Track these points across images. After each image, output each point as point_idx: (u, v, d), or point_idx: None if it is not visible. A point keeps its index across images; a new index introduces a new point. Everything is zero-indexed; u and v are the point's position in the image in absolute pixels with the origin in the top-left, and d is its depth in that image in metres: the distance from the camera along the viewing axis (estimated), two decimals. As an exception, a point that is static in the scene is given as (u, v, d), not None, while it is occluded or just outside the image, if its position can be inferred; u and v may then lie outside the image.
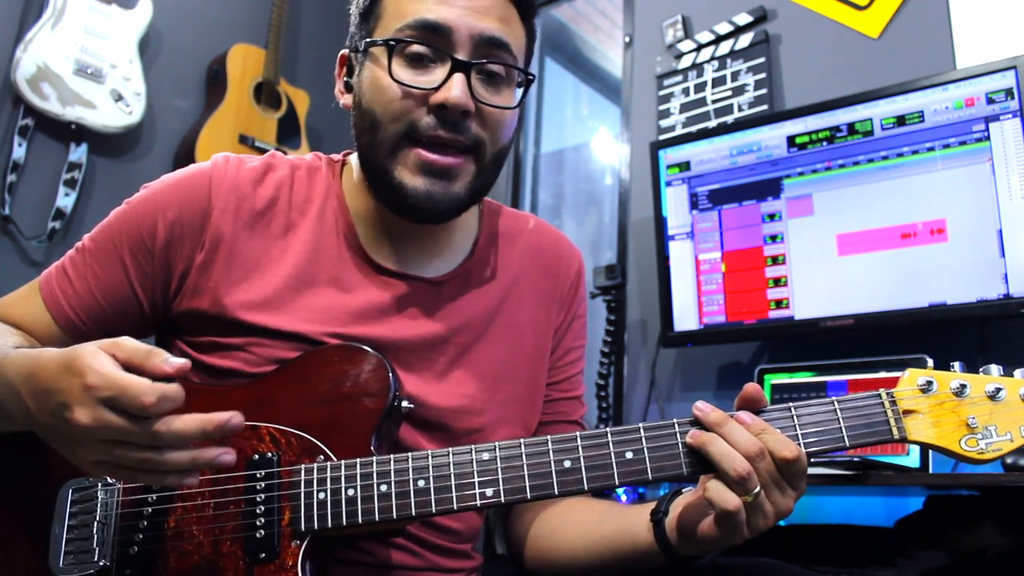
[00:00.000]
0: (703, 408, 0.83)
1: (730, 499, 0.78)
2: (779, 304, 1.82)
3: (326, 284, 1.00)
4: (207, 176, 1.00)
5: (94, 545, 0.86)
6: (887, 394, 0.83)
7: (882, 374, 1.60)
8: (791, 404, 0.83)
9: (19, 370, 0.82)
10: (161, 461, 0.74)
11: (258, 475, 0.87)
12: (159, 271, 0.99)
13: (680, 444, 0.82)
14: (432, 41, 0.93)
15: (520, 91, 1.00)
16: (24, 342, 0.95)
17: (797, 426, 0.82)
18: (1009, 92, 1.58)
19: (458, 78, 0.92)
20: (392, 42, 0.94)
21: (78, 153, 2.33)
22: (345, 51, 1.06)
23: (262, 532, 0.85)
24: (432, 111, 0.93)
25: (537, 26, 1.05)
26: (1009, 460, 1.34)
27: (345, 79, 1.04)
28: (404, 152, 0.94)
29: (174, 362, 0.75)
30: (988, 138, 1.60)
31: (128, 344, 0.76)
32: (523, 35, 1.01)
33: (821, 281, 1.77)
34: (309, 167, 1.07)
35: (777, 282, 1.83)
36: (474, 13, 0.94)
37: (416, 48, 0.94)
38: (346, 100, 1.04)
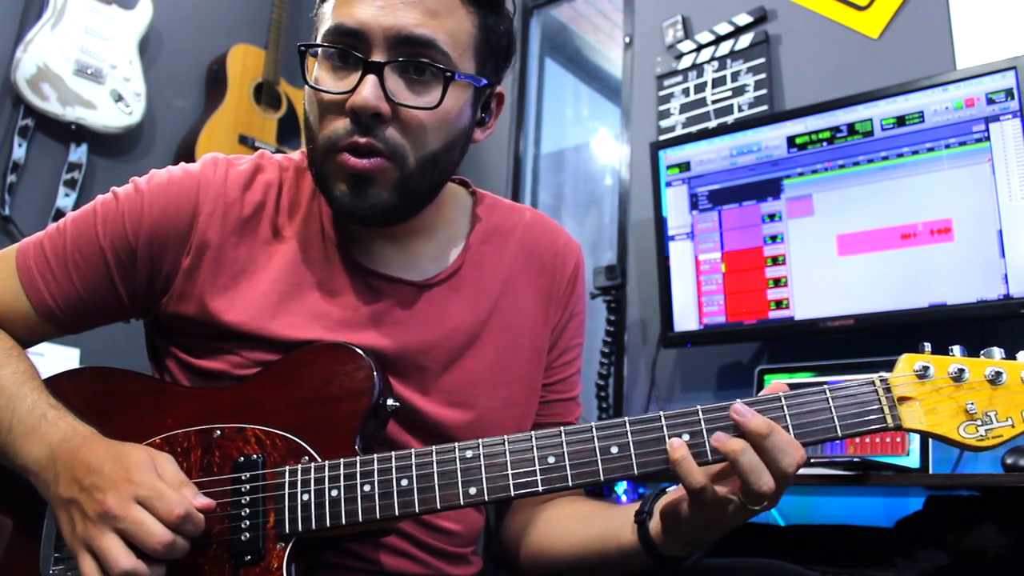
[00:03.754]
0: (743, 413, 0.78)
1: (697, 479, 0.78)
2: (779, 304, 1.82)
3: (313, 288, 0.98)
4: (195, 180, 0.98)
5: None
6: (881, 380, 0.79)
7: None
8: (781, 393, 0.80)
9: (62, 439, 0.86)
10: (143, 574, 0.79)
11: (243, 477, 0.86)
12: (142, 269, 0.97)
13: (666, 438, 0.80)
14: (347, 44, 0.90)
15: (454, 88, 0.92)
16: (31, 368, 0.95)
17: (787, 416, 0.79)
18: (1009, 92, 1.58)
19: (369, 80, 0.88)
20: (302, 47, 0.94)
21: (78, 153, 2.34)
22: None
23: (247, 535, 0.84)
24: (350, 117, 0.90)
25: (511, 10, 0.99)
26: (1009, 460, 1.34)
27: None
28: (332, 160, 0.92)
29: (203, 500, 0.83)
30: (988, 138, 1.60)
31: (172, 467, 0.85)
32: (468, 26, 0.93)
33: (821, 281, 1.77)
34: (297, 167, 1.04)
35: (777, 282, 1.83)
36: (391, 10, 0.88)
37: (333, 53, 0.91)
38: None
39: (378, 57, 0.89)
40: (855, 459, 1.43)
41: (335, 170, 0.92)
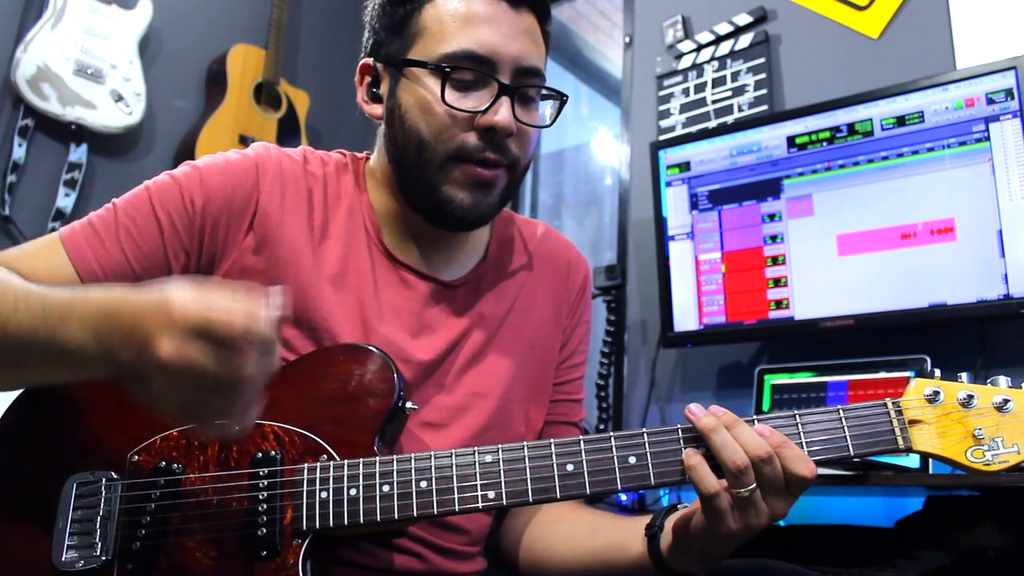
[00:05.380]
0: (715, 411, 0.82)
1: (711, 483, 0.79)
2: (779, 304, 1.82)
3: (356, 279, 1.02)
4: (253, 160, 1.02)
5: (96, 539, 0.86)
6: (893, 404, 0.82)
7: (882, 374, 1.60)
8: (796, 412, 0.83)
9: (100, 308, 0.75)
10: (240, 404, 0.71)
11: (261, 473, 0.87)
12: (195, 240, 0.97)
13: (682, 450, 0.82)
14: (476, 67, 0.97)
15: (548, 107, 1.06)
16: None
17: (802, 434, 0.82)
18: (1009, 92, 1.58)
19: (504, 102, 0.97)
20: (447, 68, 0.96)
21: (78, 153, 2.33)
22: (368, 60, 1.06)
23: (263, 530, 0.85)
24: (479, 132, 0.97)
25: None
26: (1009, 460, 1.34)
27: (371, 89, 1.06)
28: (452, 169, 0.98)
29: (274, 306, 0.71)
30: (988, 138, 1.60)
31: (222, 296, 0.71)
32: (542, 43, 1.04)
33: (821, 281, 1.77)
34: (337, 164, 1.09)
35: (777, 282, 1.83)
36: (513, 39, 0.98)
37: (465, 74, 0.97)
38: (374, 110, 1.06)
39: (504, 79, 0.97)
40: (855, 459, 1.42)
41: (457, 177, 0.98)
